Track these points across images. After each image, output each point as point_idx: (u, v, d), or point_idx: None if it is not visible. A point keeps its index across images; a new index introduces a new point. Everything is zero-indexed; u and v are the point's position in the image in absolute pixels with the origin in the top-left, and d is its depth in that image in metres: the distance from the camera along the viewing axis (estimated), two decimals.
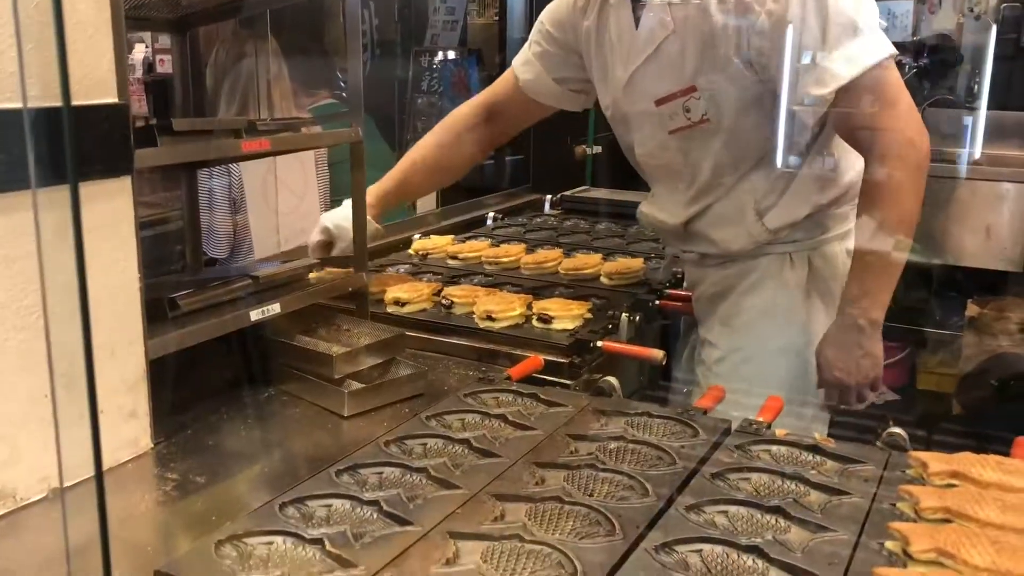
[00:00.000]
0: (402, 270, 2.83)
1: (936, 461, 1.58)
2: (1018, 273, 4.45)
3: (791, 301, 2.46)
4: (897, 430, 1.76)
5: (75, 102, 1.50)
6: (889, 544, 1.40)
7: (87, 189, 1.59)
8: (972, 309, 4.43)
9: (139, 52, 5.99)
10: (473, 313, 2.40)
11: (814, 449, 1.73)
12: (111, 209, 1.66)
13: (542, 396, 1.96)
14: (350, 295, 2.34)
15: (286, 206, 2.97)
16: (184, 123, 1.98)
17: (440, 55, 6.88)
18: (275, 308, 2.07)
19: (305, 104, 3.73)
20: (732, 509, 1.52)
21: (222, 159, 2.49)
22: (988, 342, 4.34)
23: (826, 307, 2.44)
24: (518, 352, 2.26)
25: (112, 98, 1.62)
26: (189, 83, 2.54)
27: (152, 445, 1.79)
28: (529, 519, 1.47)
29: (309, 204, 3.09)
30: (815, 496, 1.56)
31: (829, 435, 1.79)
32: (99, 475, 1.23)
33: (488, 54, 6.85)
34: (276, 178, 2.90)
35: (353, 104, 2.34)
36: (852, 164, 2.45)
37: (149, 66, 5.89)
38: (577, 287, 2.70)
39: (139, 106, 5.63)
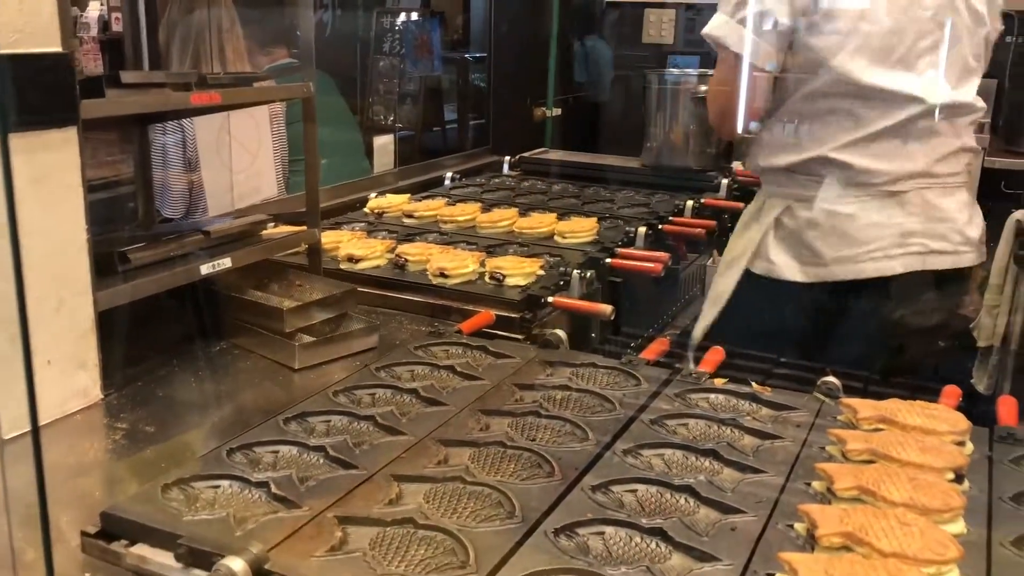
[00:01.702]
0: (357, 228, 2.84)
1: (865, 407, 1.65)
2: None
3: None
4: (831, 379, 1.82)
5: (15, 50, 1.49)
6: (815, 484, 1.46)
7: (31, 139, 1.59)
8: None
9: (94, 9, 5.88)
10: (427, 270, 2.42)
11: (751, 397, 1.79)
12: (56, 160, 1.66)
13: (491, 348, 2.00)
14: (304, 251, 2.36)
15: (240, 164, 2.96)
16: (132, 75, 1.97)
17: (402, 16, 6.83)
18: (226, 262, 2.08)
19: (263, 63, 3.70)
20: (668, 452, 1.58)
21: (171, 112, 2.47)
22: None
23: None
24: (470, 308, 2.30)
25: (55, 47, 1.61)
26: (141, 39, 2.52)
27: (102, 396, 1.81)
28: (472, 462, 1.51)
29: (263, 162, 3.08)
30: (748, 440, 1.62)
31: (767, 384, 1.85)
32: (35, 423, 1.26)
33: (451, 16, 6.81)
34: (229, 135, 2.89)
35: (305, 59, 2.34)
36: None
37: (105, 24, 5.79)
38: (531, 245, 2.74)
39: (95, 64, 5.54)
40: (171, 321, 2.17)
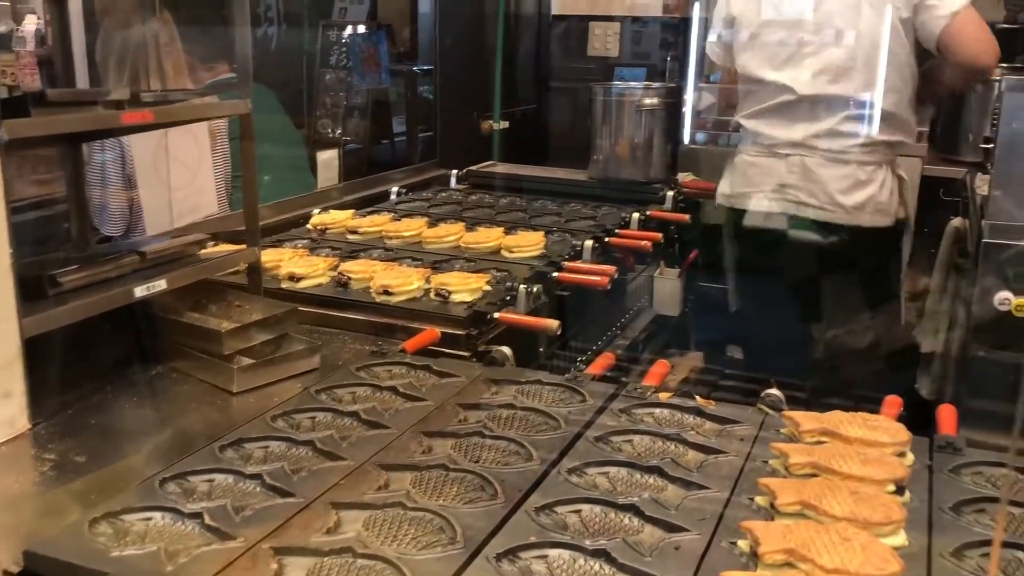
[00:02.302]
0: (299, 245, 2.80)
1: (807, 420, 1.65)
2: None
3: None
4: (774, 391, 1.83)
5: None
6: (759, 499, 1.46)
7: None
8: None
9: (30, 23, 5.73)
10: (370, 288, 2.39)
11: (695, 411, 1.79)
12: None
13: (435, 368, 1.97)
14: (244, 271, 2.31)
15: (179, 181, 2.90)
16: (59, 93, 1.92)
17: (349, 29, 6.78)
18: (161, 284, 2.02)
19: (204, 78, 3.63)
20: (612, 470, 1.57)
21: (101, 131, 2.41)
22: None
23: None
24: (415, 326, 2.27)
25: None
26: (72, 56, 2.45)
27: (30, 426, 1.74)
28: (413, 487, 1.49)
29: (204, 179, 3.02)
30: (692, 456, 1.62)
31: (711, 397, 1.85)
32: None
33: (398, 29, 6.78)
34: (167, 152, 2.83)
35: (242, 75, 2.29)
36: None
37: (42, 38, 5.65)
38: (478, 261, 2.72)
39: (32, 80, 5.40)
40: (106, 345, 2.11)
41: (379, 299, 2.35)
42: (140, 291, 1.97)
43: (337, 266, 2.51)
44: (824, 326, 3.34)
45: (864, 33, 3.04)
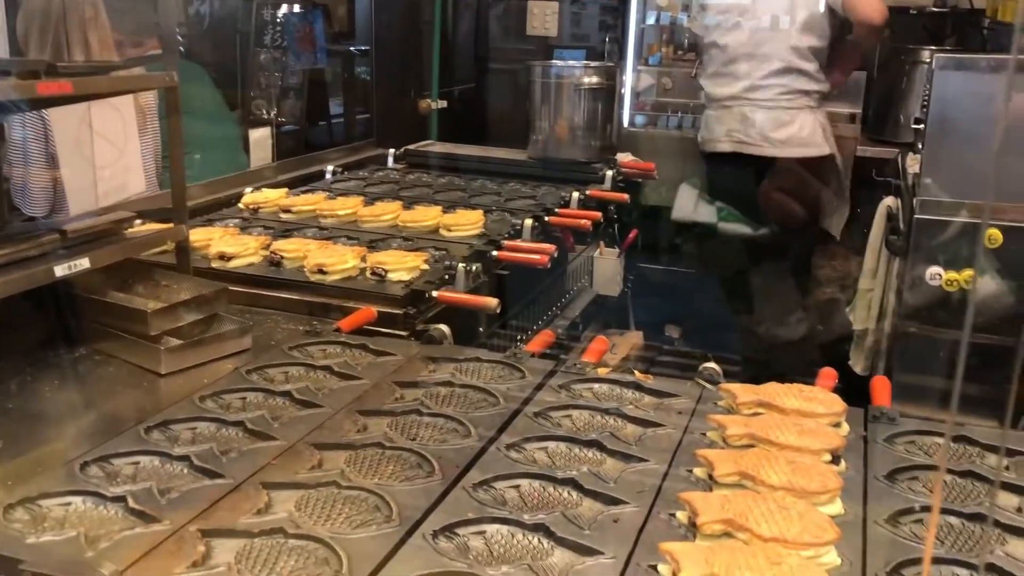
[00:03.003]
0: (230, 225, 2.72)
1: (744, 392, 1.66)
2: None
3: None
4: (712, 365, 1.83)
5: None
6: (697, 470, 1.46)
7: None
8: None
9: None
10: (304, 267, 2.33)
11: (634, 386, 1.78)
12: None
13: (371, 346, 1.93)
14: (172, 250, 2.23)
15: (104, 159, 2.78)
16: None
17: (284, 8, 6.63)
18: (84, 263, 1.94)
19: (131, 54, 3.50)
20: (552, 445, 1.55)
21: (22, 103, 2.30)
22: (814, 289, 4.60)
23: None
24: (351, 305, 2.22)
25: None
26: None
27: None
28: (348, 466, 1.45)
29: (130, 157, 2.91)
30: (631, 429, 1.61)
31: (650, 373, 1.84)
32: None
33: (334, 8, 6.65)
34: (91, 129, 2.71)
35: (169, 49, 2.21)
36: None
37: None
38: (416, 240, 2.67)
39: None
40: (26, 327, 2.02)
41: (313, 278, 2.29)
42: (61, 270, 1.89)
43: (269, 245, 2.44)
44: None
45: (787, 3, 3.92)
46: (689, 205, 4.64)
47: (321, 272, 2.29)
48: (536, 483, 1.42)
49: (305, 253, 2.37)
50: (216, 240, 2.47)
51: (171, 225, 2.21)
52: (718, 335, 4.49)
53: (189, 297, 2.04)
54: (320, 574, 1.17)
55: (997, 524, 1.34)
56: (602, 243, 3.77)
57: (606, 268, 3.73)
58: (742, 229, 4.67)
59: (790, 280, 4.78)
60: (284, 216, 2.86)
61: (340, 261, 2.30)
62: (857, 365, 3.72)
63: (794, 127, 3.97)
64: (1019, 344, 2.63)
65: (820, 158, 4.05)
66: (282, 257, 2.37)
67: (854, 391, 1.88)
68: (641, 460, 1.49)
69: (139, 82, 2.43)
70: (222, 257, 2.37)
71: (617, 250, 3.80)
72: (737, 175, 4.19)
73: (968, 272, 2.56)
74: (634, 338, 4.00)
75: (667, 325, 4.87)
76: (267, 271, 2.36)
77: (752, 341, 4.76)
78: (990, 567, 1.23)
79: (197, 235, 2.48)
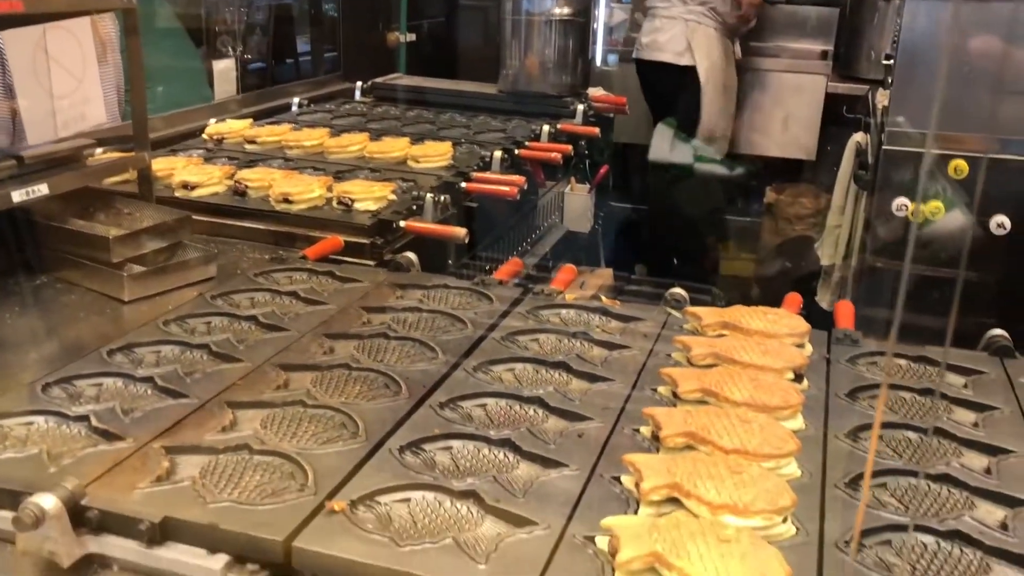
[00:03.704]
0: (194, 155, 2.67)
1: (709, 314, 1.67)
2: (811, 161, 4.73)
3: None
4: (678, 290, 1.83)
5: None
6: (661, 389, 1.47)
7: None
8: (770, 196, 4.69)
9: None
10: (269, 196, 2.30)
11: (601, 311, 1.79)
12: None
13: (337, 273, 1.92)
14: (134, 179, 2.19)
15: (62, 88, 2.71)
16: None
17: None
18: (42, 189, 1.90)
19: None
20: (519, 367, 1.55)
21: None
22: (783, 227, 4.62)
23: None
24: (317, 234, 2.19)
25: None
26: None
27: None
28: (314, 386, 1.45)
29: (90, 87, 2.84)
30: (597, 352, 1.62)
31: (618, 300, 1.85)
32: None
33: None
34: (47, 56, 2.63)
35: None
36: None
37: None
38: (383, 171, 2.64)
39: None
40: None
41: (279, 207, 2.26)
42: (19, 195, 1.85)
43: (234, 175, 2.40)
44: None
45: None
46: (665, 145, 4.64)
47: (286, 201, 2.26)
48: (502, 402, 1.43)
49: (270, 182, 2.33)
50: (179, 169, 2.42)
51: (132, 153, 2.17)
52: (688, 273, 4.51)
53: (151, 224, 2.01)
54: (286, 488, 1.17)
55: (954, 438, 1.37)
56: (573, 179, 3.75)
57: (576, 204, 3.72)
58: (718, 170, 4.69)
59: (759, 220, 4.83)
60: (249, 147, 2.81)
61: (306, 191, 2.27)
62: (823, 301, 3.76)
63: (661, 34, 4.42)
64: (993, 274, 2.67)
65: (677, 68, 4.39)
66: (247, 186, 2.34)
67: (819, 328, 1.91)
68: (606, 380, 1.50)
69: (96, 1, 2.35)
70: (185, 186, 2.33)
71: (588, 186, 3.78)
72: (643, 84, 4.66)
73: (934, 203, 2.58)
74: (604, 275, 4.01)
75: (637, 264, 4.89)
76: (231, 200, 2.33)
77: (721, 279, 4.81)
78: (944, 477, 1.26)
79: (160, 164, 2.43)
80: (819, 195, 4.50)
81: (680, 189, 4.72)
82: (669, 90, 4.51)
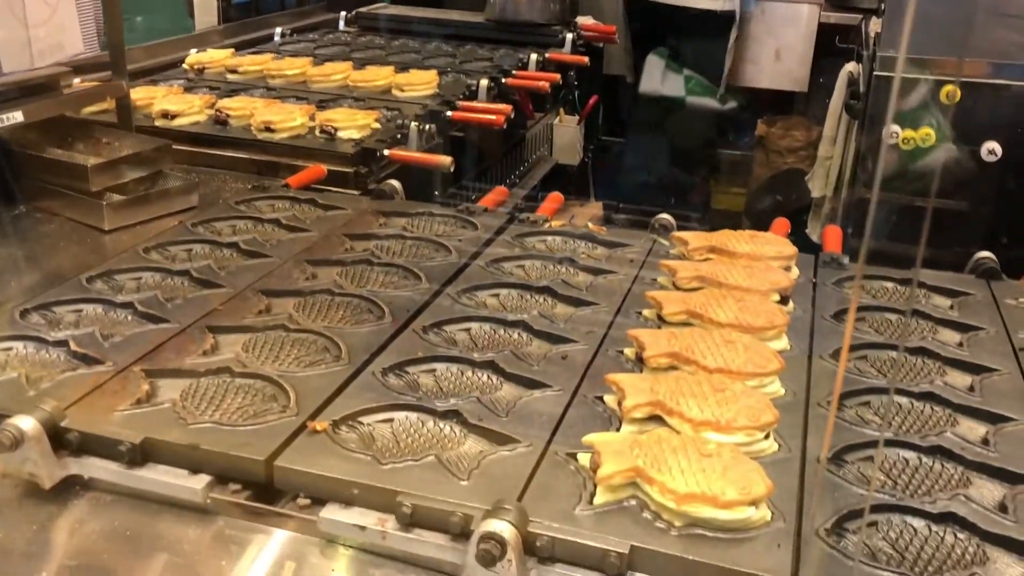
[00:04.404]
0: (175, 85, 2.61)
1: (696, 238, 1.65)
2: (803, 93, 4.67)
3: None
4: (665, 216, 1.82)
5: None
6: (646, 312, 1.46)
7: None
8: (761, 129, 4.63)
9: None
10: (251, 125, 2.26)
11: (587, 237, 1.77)
12: None
13: (320, 201, 1.89)
14: (113, 109, 2.14)
15: (36, 17, 2.64)
16: None
17: None
18: (17, 116, 1.86)
19: None
20: (503, 292, 1.54)
21: None
22: (775, 160, 4.58)
23: None
24: (299, 163, 2.16)
25: None
26: None
27: None
28: (297, 311, 1.43)
29: (65, 16, 2.76)
30: (583, 277, 1.60)
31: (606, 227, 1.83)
32: None
33: None
34: None
35: None
36: None
37: None
38: (367, 100, 2.59)
39: None
40: None
41: (260, 136, 2.22)
42: None
43: (214, 104, 2.35)
44: None
45: None
46: (656, 76, 4.56)
47: (268, 130, 2.22)
48: (487, 326, 1.42)
49: (251, 111, 2.29)
50: (159, 99, 2.37)
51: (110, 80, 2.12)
52: (680, 206, 4.48)
53: (131, 153, 1.98)
54: (268, 409, 1.17)
55: (938, 358, 1.37)
56: (561, 110, 3.70)
57: (565, 136, 3.68)
58: (710, 103, 4.62)
59: (750, 154, 4.77)
60: (230, 77, 2.75)
61: (288, 119, 2.23)
62: (814, 233, 3.74)
63: None
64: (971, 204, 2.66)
65: (710, 13, 4.17)
66: (228, 115, 2.29)
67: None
68: (591, 304, 1.49)
69: None
70: (165, 115, 2.29)
71: (577, 117, 3.74)
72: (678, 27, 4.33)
73: (925, 130, 2.55)
74: (594, 208, 3.98)
75: (631, 199, 4.85)
76: (212, 129, 2.28)
77: (712, 212, 4.79)
78: (927, 395, 1.26)
79: (139, 94, 2.39)
80: (811, 127, 4.44)
81: (671, 123, 4.65)
82: (696, 36, 4.32)
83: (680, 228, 1.83)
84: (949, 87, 2.49)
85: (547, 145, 3.68)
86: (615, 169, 4.71)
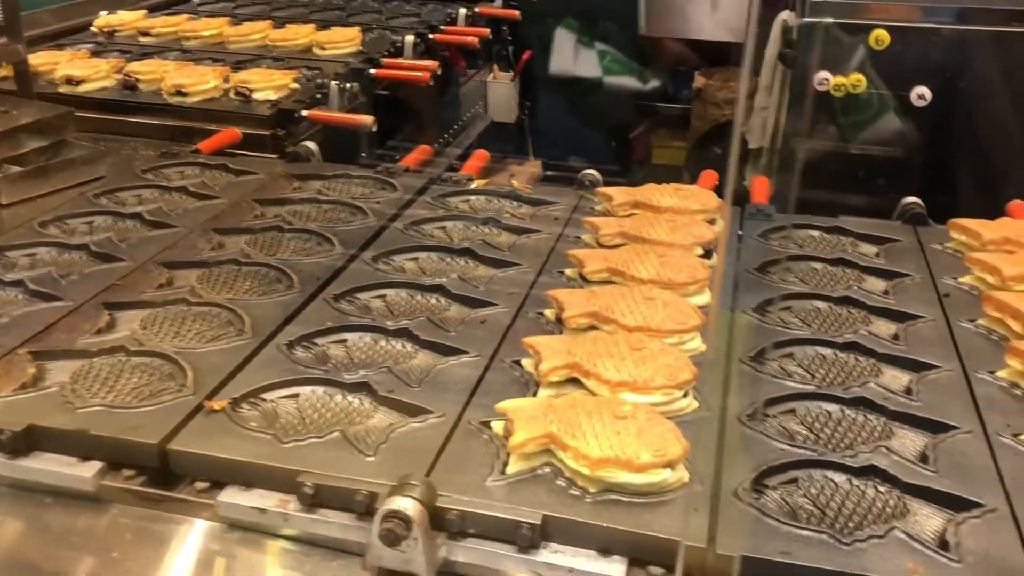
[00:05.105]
0: (82, 49, 2.48)
1: (620, 193, 1.61)
2: (741, 44, 4.63)
3: None
4: (591, 172, 1.77)
5: None
6: (568, 271, 1.42)
7: None
8: (699, 81, 4.59)
9: None
10: (161, 89, 2.15)
11: (511, 196, 1.72)
12: None
13: (231, 166, 1.81)
14: (11, 77, 2.02)
15: None
16: None
17: None
18: None
19: None
20: (422, 256, 1.49)
21: None
22: (713, 112, 4.55)
23: None
24: (214, 128, 2.06)
25: None
26: None
27: None
28: (200, 283, 1.36)
29: None
30: (506, 237, 1.55)
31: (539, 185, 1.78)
32: None
33: None
34: None
35: None
36: None
37: None
38: (288, 60, 2.49)
39: None
40: None
41: (172, 101, 2.12)
42: None
43: (123, 68, 2.24)
44: None
45: None
46: (567, 54, 4.15)
47: (180, 94, 2.12)
48: (403, 292, 1.36)
49: (162, 75, 2.18)
50: (63, 64, 2.25)
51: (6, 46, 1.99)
52: (621, 162, 4.43)
53: (30, 121, 1.87)
54: (165, 389, 1.10)
55: (863, 307, 1.35)
56: (495, 66, 3.62)
57: (500, 93, 3.60)
58: (629, 82, 4.42)
59: (689, 107, 4.71)
60: (143, 39, 2.63)
61: (200, 81, 2.13)
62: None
63: None
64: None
65: None
66: (137, 80, 2.18)
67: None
68: (513, 265, 1.44)
69: None
70: (70, 81, 2.17)
71: (511, 74, 3.66)
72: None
73: (855, 76, 2.52)
74: (534, 167, 3.92)
75: (571, 157, 4.79)
76: (121, 95, 2.18)
77: (652, 168, 4.74)
78: (851, 345, 1.24)
79: (40, 59, 2.26)
80: (748, 78, 4.41)
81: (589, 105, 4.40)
82: None
83: (609, 184, 1.78)
84: (878, 32, 2.46)
85: (482, 103, 3.60)
86: (553, 126, 4.64)
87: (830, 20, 2.54)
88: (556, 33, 3.98)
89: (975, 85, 2.49)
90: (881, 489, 0.99)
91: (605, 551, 0.92)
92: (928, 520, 0.95)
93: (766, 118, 3.63)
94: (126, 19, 2.69)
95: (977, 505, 0.96)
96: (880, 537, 0.91)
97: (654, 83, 4.48)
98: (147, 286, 1.34)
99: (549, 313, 1.29)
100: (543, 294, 1.34)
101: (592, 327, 1.22)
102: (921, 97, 2.48)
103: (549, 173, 2.65)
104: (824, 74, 2.56)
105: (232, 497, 0.98)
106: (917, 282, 1.43)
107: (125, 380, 1.12)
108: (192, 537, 0.99)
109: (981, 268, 1.41)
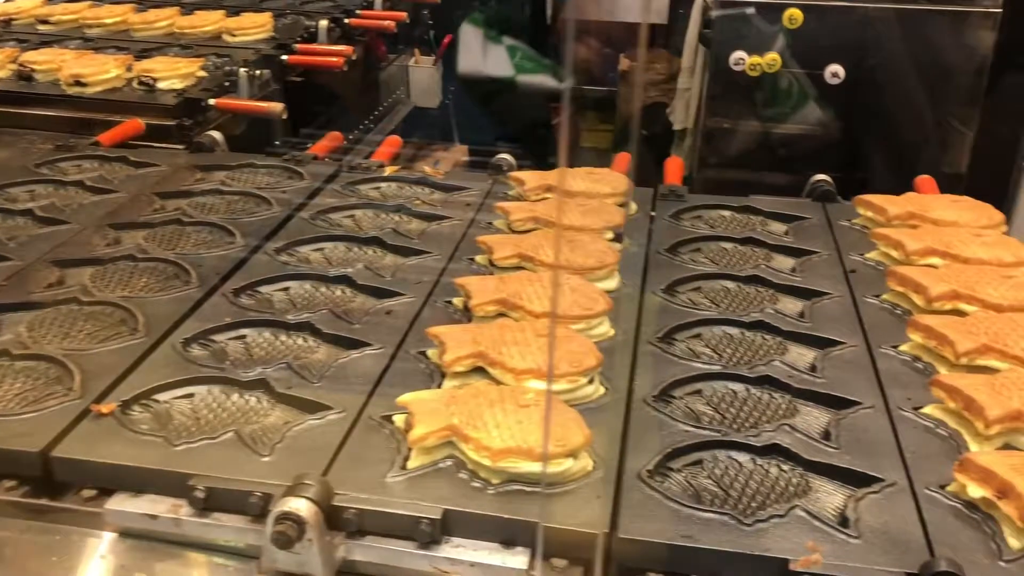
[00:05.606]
0: None
1: (532, 178, 1.59)
2: (664, 25, 4.64)
3: None
4: (505, 156, 1.74)
5: None
6: (479, 258, 1.40)
7: None
8: (623, 64, 4.60)
9: None
10: (59, 79, 2.06)
11: (423, 182, 1.69)
12: None
13: (131, 158, 1.74)
14: None
15: None
16: None
17: None
18: None
19: None
20: (328, 246, 1.45)
21: None
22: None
23: None
24: (116, 119, 1.98)
25: None
26: None
27: None
28: (93, 282, 1.30)
29: None
30: (416, 224, 1.52)
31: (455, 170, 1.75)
32: None
33: None
34: None
35: None
36: None
37: None
38: (195, 47, 2.41)
39: None
40: None
41: (71, 91, 2.03)
42: None
43: (17, 57, 2.14)
44: None
45: None
46: (476, 52, 3.99)
47: (79, 84, 2.03)
48: (307, 284, 1.33)
49: (60, 64, 2.09)
50: None
51: None
52: (550, 145, 4.41)
53: None
54: (51, 394, 1.05)
55: (771, 285, 1.35)
56: (417, 51, 3.57)
57: (422, 77, 3.55)
58: (544, 80, 4.33)
59: (614, 89, 4.71)
60: (42, 28, 2.52)
61: (100, 71, 2.05)
62: None
63: None
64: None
65: None
66: (32, 69, 2.09)
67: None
68: (422, 253, 1.41)
69: None
70: None
71: (433, 58, 3.61)
72: None
73: (771, 55, 2.54)
74: (459, 153, 3.88)
75: (499, 141, 4.76)
76: (15, 86, 2.08)
77: (580, 151, 4.73)
78: (758, 324, 1.24)
79: None
80: (672, 59, 4.43)
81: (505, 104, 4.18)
82: None
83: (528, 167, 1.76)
84: (792, 11, 2.48)
85: (404, 88, 3.55)
86: (477, 111, 4.59)
87: (750, 11, 2.54)
88: (461, 29, 3.82)
89: (886, 62, 2.53)
90: (784, 468, 0.99)
91: (508, 543, 0.90)
92: (830, 497, 0.96)
93: (689, 99, 3.66)
94: (23, 6, 2.58)
95: (877, 480, 0.96)
96: (781, 516, 0.91)
97: (569, 82, 4.41)
98: (35, 286, 1.28)
99: (457, 301, 1.26)
100: (452, 282, 1.31)
101: (501, 314, 1.20)
102: (835, 75, 2.52)
103: (474, 159, 2.61)
104: (740, 54, 2.57)
105: (121, 504, 0.94)
106: (824, 259, 1.44)
107: (8, 386, 1.07)
108: (80, 548, 0.95)
109: (886, 243, 1.43)
